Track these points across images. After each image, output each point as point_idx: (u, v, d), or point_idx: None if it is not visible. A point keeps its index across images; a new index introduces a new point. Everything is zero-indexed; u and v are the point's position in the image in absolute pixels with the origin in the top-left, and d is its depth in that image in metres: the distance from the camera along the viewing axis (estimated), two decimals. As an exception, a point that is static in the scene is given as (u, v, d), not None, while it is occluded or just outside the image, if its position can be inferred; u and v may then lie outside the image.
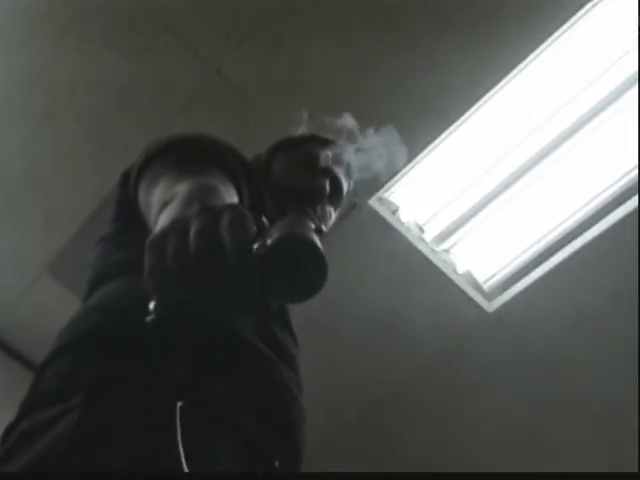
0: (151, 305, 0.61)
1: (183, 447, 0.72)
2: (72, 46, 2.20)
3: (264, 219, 0.62)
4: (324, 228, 0.67)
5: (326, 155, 1.20)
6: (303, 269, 0.59)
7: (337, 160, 1.23)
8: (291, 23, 2.09)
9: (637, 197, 2.17)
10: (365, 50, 2.09)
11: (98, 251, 1.06)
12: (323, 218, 1.17)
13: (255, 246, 0.59)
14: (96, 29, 2.16)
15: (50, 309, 2.61)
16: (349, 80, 2.12)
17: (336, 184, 1.21)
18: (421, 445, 2.78)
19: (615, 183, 2.25)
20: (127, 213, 1.04)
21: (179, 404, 0.75)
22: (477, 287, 2.49)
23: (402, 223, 2.40)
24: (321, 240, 0.62)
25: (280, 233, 0.59)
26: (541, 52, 2.07)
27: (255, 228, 0.60)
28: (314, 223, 0.63)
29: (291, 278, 0.59)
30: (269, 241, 0.59)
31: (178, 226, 0.60)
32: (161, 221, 0.72)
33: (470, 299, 2.47)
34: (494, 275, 2.50)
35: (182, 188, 0.79)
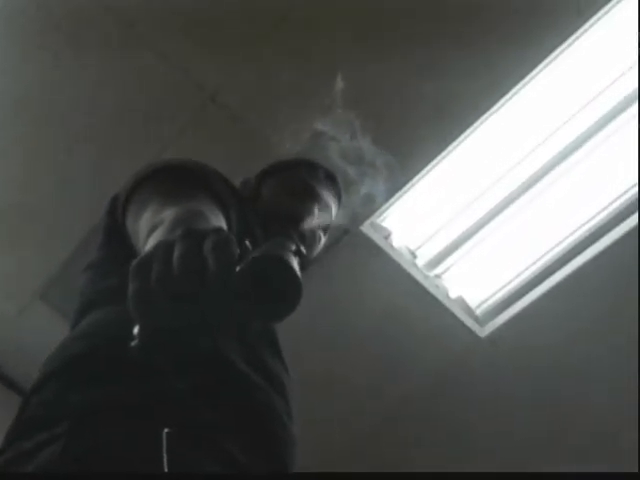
0: (135, 330, 0.61)
1: (171, 472, 0.72)
2: (65, 73, 2.21)
3: (247, 242, 0.63)
4: (304, 250, 0.67)
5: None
6: (277, 287, 0.60)
7: (326, 184, 1.23)
8: (287, 48, 2.10)
9: (637, 215, 2.17)
10: (361, 76, 2.10)
11: (85, 278, 1.06)
12: (312, 242, 1.18)
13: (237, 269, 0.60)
14: (90, 56, 2.17)
15: (41, 335, 2.59)
16: (345, 106, 2.13)
17: (325, 208, 1.22)
18: (416, 468, 2.76)
19: (615, 201, 2.25)
20: (115, 239, 1.04)
21: (165, 431, 0.75)
22: (469, 312, 2.49)
23: (394, 248, 2.41)
24: (304, 261, 0.63)
25: (255, 254, 0.60)
26: (538, 72, 2.07)
27: (238, 251, 0.60)
28: (294, 245, 0.64)
29: (266, 297, 0.60)
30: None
31: (161, 250, 0.60)
32: (149, 246, 0.73)
33: (462, 324, 2.47)
34: (486, 300, 2.50)
35: (170, 213, 0.79)
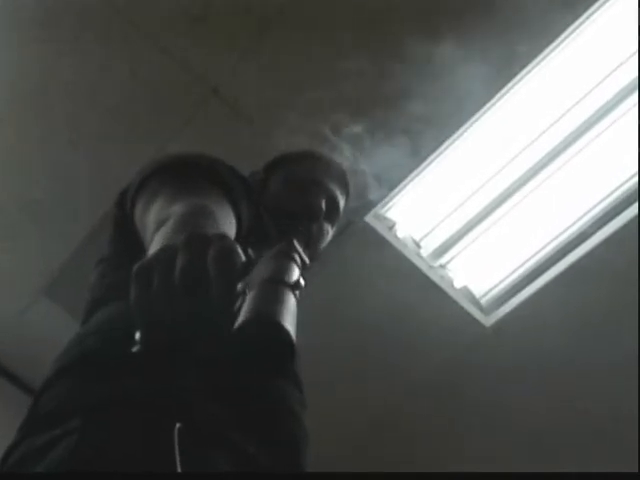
0: (137, 335, 0.61)
1: (183, 468, 0.71)
2: (68, 67, 2.20)
3: (250, 251, 0.62)
4: (307, 260, 0.67)
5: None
6: (271, 350, 0.60)
7: (334, 177, 1.23)
8: (288, 41, 2.09)
9: (637, 205, 2.17)
10: (362, 69, 2.09)
11: (96, 273, 1.06)
12: (320, 236, 1.18)
13: (239, 286, 0.59)
14: (91, 51, 2.16)
15: (46, 332, 2.60)
16: (346, 100, 2.13)
17: (332, 202, 1.21)
18: (419, 463, 2.76)
19: (615, 191, 2.25)
20: (124, 233, 1.04)
21: (177, 426, 0.75)
22: (474, 302, 2.49)
23: (398, 239, 2.40)
24: (311, 257, 0.63)
25: (251, 313, 0.60)
26: (538, 62, 2.07)
27: (243, 259, 0.59)
28: (298, 257, 0.63)
29: (259, 357, 0.61)
30: (242, 317, 0.59)
31: (164, 257, 0.60)
32: (154, 244, 0.72)
33: (467, 313, 2.47)
34: (491, 289, 2.50)
35: (177, 209, 0.79)
